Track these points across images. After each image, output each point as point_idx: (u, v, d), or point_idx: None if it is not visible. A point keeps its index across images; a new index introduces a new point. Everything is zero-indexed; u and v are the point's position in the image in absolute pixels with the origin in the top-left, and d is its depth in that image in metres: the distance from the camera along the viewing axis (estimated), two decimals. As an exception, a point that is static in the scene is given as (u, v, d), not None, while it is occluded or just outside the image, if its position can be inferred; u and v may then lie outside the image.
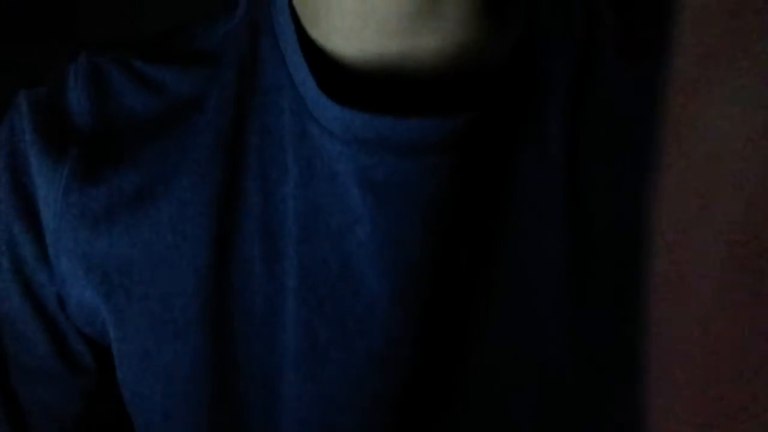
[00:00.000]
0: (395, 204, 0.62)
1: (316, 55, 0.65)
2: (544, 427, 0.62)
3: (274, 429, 0.65)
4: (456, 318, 0.63)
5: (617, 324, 0.60)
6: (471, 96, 0.64)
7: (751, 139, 0.19)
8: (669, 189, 0.21)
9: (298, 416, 0.64)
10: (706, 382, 0.20)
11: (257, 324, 0.64)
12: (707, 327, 0.20)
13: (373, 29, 0.62)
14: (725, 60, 0.20)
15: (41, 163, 0.67)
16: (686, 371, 0.21)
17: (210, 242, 0.65)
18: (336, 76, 0.65)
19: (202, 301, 0.64)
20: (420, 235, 0.62)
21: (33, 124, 0.67)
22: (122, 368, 0.67)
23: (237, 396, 0.65)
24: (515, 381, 0.62)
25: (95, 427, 0.70)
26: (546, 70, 0.65)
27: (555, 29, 0.66)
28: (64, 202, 0.66)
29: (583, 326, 0.62)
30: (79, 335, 0.68)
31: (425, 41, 0.62)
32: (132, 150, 0.67)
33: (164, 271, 0.65)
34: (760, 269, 0.19)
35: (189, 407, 0.65)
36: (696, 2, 0.21)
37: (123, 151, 0.67)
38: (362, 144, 0.62)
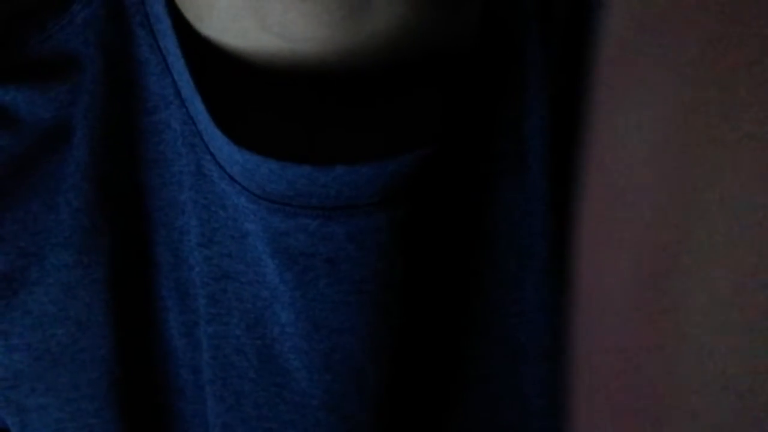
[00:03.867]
0: (322, 283, 0.47)
1: (207, 60, 0.49)
2: None
3: None
4: (415, 423, 0.49)
5: None
6: (419, 120, 0.49)
7: (658, 158, 0.20)
8: (583, 207, 0.21)
9: None
10: (622, 384, 0.21)
11: (188, 401, 0.50)
12: (620, 336, 0.21)
13: (280, 21, 0.46)
14: (636, 71, 0.21)
15: None
16: (603, 373, 0.21)
17: (115, 324, 0.49)
18: (235, 93, 0.49)
19: (116, 398, 0.50)
20: (359, 322, 0.47)
21: None
22: None
23: None
24: None
25: None
26: (521, 77, 0.50)
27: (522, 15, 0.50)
28: None
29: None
30: None
31: (348, 35, 0.46)
32: None
33: (62, 373, 0.50)
34: (666, 284, 0.20)
35: None
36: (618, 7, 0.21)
37: None
38: (271, 201, 0.47)
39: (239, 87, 0.49)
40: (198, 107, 0.48)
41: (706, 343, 0.19)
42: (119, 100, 0.50)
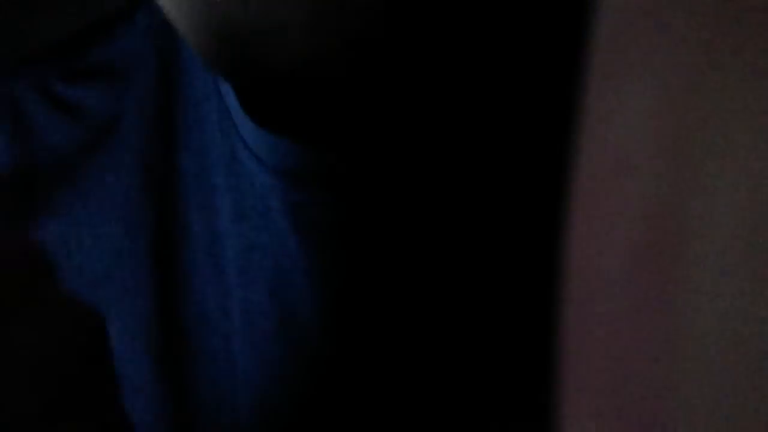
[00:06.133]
0: (334, 252, 0.53)
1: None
2: None
3: None
4: (426, 387, 0.55)
5: None
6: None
7: (654, 136, 0.20)
8: (577, 187, 0.21)
9: None
10: (613, 380, 0.20)
11: (219, 365, 0.56)
12: (613, 325, 0.20)
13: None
14: (635, 56, 0.20)
15: None
16: (593, 367, 0.20)
17: (156, 289, 0.57)
18: (262, 85, 0.55)
19: (155, 360, 0.57)
20: (371, 290, 0.54)
21: None
22: None
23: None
24: None
25: None
26: None
27: None
28: None
29: None
30: None
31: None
32: (52, 195, 0.58)
33: (109, 324, 0.56)
34: (662, 268, 0.19)
35: None
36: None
37: (45, 197, 0.59)
38: (291, 176, 0.53)
39: (266, 80, 0.55)
40: (232, 101, 0.55)
41: (708, 334, 0.18)
42: (169, 95, 0.58)
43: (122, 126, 0.58)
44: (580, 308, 0.21)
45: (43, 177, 0.59)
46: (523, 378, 0.53)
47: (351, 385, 0.54)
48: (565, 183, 0.23)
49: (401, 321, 0.54)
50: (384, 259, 0.54)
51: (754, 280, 0.18)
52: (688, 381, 0.19)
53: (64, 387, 0.46)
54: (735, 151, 0.19)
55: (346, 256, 0.53)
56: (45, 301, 0.47)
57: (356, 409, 0.54)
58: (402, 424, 0.54)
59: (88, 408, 0.47)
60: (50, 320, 0.46)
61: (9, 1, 1.06)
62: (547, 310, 0.50)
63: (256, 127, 0.54)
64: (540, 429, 0.48)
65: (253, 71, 0.53)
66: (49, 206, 0.58)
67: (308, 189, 0.53)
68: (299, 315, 0.54)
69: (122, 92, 0.58)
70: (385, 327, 0.54)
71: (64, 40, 0.63)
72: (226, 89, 0.55)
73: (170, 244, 0.57)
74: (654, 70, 0.20)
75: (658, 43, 0.20)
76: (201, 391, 0.56)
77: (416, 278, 0.54)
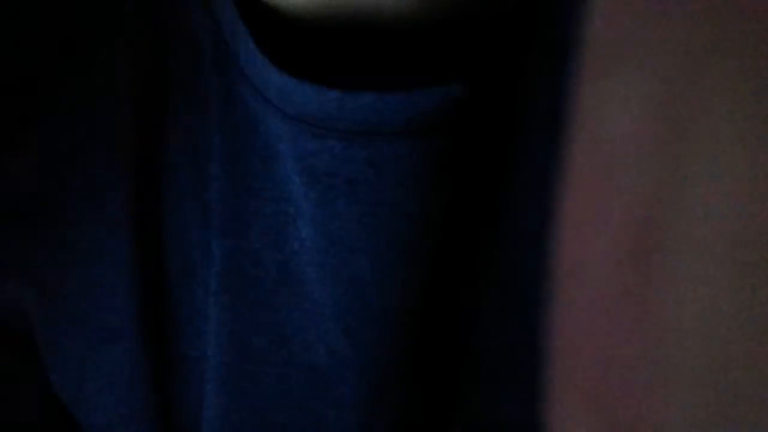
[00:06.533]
0: (341, 203, 0.49)
1: None
2: None
3: None
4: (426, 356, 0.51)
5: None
6: (456, 58, 0.49)
7: (643, 136, 0.20)
8: (568, 184, 0.21)
9: None
10: (602, 370, 0.21)
11: (201, 318, 0.54)
12: (601, 319, 0.21)
13: None
14: (626, 55, 0.20)
15: None
16: (581, 359, 0.21)
17: (140, 230, 0.53)
18: (279, 23, 0.51)
19: (137, 305, 0.53)
20: (370, 242, 0.50)
21: None
22: (56, 373, 0.55)
23: (173, 400, 0.54)
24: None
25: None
26: None
27: None
28: None
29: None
30: None
31: None
32: (26, 121, 0.54)
33: (85, 271, 0.53)
34: (647, 266, 0.20)
35: (135, 415, 0.54)
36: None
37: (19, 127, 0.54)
38: (303, 122, 0.49)
39: (280, 17, 0.51)
40: (242, 38, 0.50)
41: (690, 331, 0.19)
42: (150, 26, 0.53)
43: (112, 61, 0.53)
44: (568, 306, 0.21)
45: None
46: (512, 374, 0.50)
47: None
48: (555, 180, 0.23)
49: (405, 288, 0.51)
50: (390, 216, 0.50)
51: (736, 279, 0.19)
52: (671, 377, 0.19)
53: None
54: (723, 151, 0.19)
55: (351, 209, 0.49)
56: None
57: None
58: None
59: None
60: None
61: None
62: (537, 308, 0.51)
63: (269, 64, 0.49)
64: (531, 425, 0.49)
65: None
66: (22, 138, 0.54)
67: (321, 137, 0.49)
68: (299, 265, 0.51)
69: (102, 24, 0.53)
70: (384, 289, 0.50)
71: None
72: (233, 29, 0.51)
73: (155, 185, 0.53)
74: (644, 70, 0.20)
75: (648, 44, 0.20)
76: (182, 343, 0.53)
77: (429, 250, 0.50)
